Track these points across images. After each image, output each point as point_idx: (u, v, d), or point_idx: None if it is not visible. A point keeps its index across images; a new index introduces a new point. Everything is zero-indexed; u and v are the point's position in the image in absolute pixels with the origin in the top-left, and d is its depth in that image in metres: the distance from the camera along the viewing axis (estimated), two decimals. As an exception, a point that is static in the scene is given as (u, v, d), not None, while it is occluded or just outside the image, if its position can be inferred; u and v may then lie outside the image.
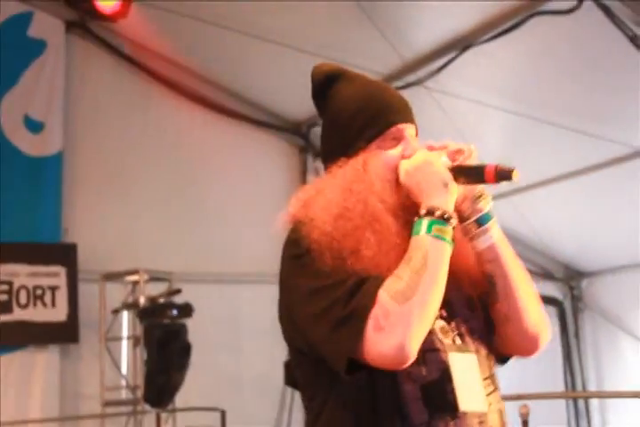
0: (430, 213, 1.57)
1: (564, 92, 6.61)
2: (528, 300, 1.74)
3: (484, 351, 1.72)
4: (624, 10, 5.46)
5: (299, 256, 1.63)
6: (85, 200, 7.18)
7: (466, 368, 1.64)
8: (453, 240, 1.60)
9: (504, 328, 1.74)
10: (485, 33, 6.07)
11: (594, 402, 9.43)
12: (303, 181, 8.22)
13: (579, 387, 9.47)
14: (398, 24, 6.41)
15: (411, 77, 6.71)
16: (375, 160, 1.70)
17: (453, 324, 1.68)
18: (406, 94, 7.03)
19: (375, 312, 1.49)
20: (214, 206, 7.59)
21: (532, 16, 5.72)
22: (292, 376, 6.21)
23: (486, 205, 1.73)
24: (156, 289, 6.83)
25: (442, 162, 1.64)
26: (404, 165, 1.67)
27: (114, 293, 6.99)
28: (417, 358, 1.56)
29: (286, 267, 1.68)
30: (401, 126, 1.74)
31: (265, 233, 8.46)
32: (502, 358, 1.84)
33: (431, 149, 1.72)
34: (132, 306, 6.79)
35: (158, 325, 6.05)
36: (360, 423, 1.59)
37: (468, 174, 1.63)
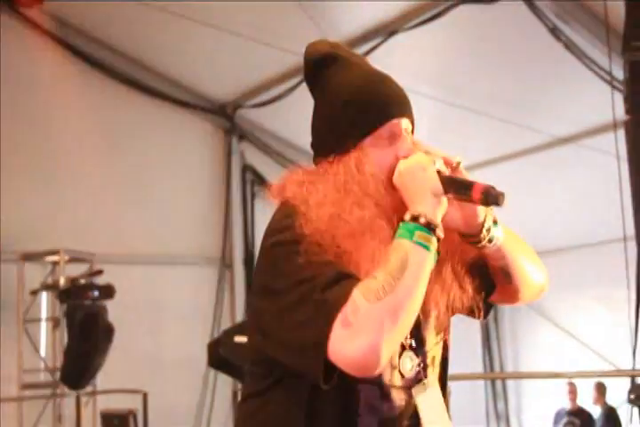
0: (415, 219, 1.48)
1: (487, 80, 6.74)
2: (537, 269, 1.73)
3: (438, 375, 1.67)
4: (544, 1, 5.58)
5: (287, 243, 1.52)
6: (5, 179, 7.02)
7: (431, 405, 1.60)
8: (438, 252, 1.50)
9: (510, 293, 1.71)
10: (411, 20, 6.15)
11: (510, 384, 9.70)
12: (228, 162, 8.20)
13: (497, 369, 9.72)
14: (325, 8, 6.43)
15: (337, 62, 6.74)
16: (369, 159, 1.57)
17: (421, 356, 1.61)
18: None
19: (345, 308, 1.40)
20: (138, 187, 7.51)
21: (456, 5, 5.80)
22: (216, 358, 6.22)
23: (496, 227, 1.63)
24: (77, 270, 6.73)
25: (435, 169, 1.54)
26: (399, 166, 1.56)
27: (33, 273, 6.86)
28: (382, 392, 1.53)
29: (271, 251, 1.55)
30: (396, 121, 1.59)
31: (188, 216, 8.48)
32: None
33: (427, 152, 1.62)
34: (51, 287, 6.67)
35: (80, 306, 5.98)
36: None
37: (457, 188, 1.52)
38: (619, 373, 6.08)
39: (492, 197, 1.48)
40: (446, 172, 1.56)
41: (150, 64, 7.64)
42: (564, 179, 7.61)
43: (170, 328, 7.59)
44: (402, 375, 1.57)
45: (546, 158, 7.44)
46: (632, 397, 3.92)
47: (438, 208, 1.51)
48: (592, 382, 7.79)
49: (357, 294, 1.40)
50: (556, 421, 8.02)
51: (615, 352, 7.87)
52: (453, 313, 1.66)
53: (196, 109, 7.97)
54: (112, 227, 7.26)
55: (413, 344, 1.59)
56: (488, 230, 1.60)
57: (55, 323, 6.74)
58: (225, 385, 7.58)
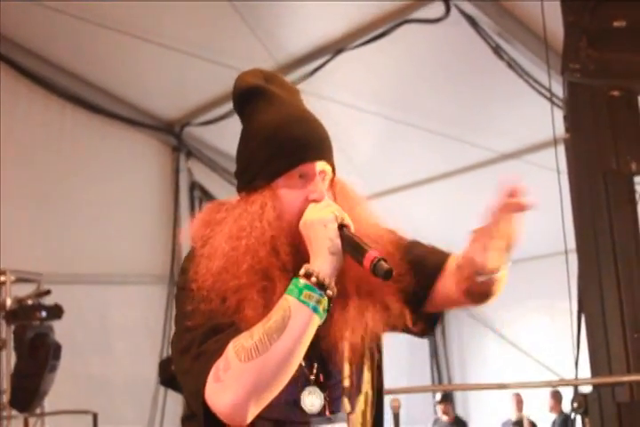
0: (307, 276, 1.47)
1: (433, 98, 6.87)
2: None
3: (361, 408, 1.66)
4: (487, 21, 5.72)
5: (180, 289, 1.59)
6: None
7: None
8: (327, 311, 1.48)
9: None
10: (357, 38, 6.25)
11: (458, 395, 9.81)
12: (175, 180, 8.19)
13: (444, 381, 9.83)
14: (271, 26, 6.50)
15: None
16: (276, 203, 1.57)
17: (328, 389, 1.60)
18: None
19: (218, 363, 1.43)
20: (84, 206, 7.45)
21: (401, 24, 5.91)
22: (168, 376, 6.20)
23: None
24: (24, 290, 6.64)
25: (335, 226, 1.51)
26: (305, 215, 1.55)
27: (-22, 295, 6.76)
28: None
29: (175, 290, 1.63)
30: (310, 164, 1.58)
31: (136, 234, 8.41)
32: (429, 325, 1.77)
33: (346, 198, 1.66)
34: (-3, 308, 6.58)
35: (29, 327, 5.90)
36: None
37: (352, 251, 1.51)
38: (563, 382, 6.22)
39: (378, 270, 1.46)
40: (351, 226, 1.55)
41: (96, 81, 7.60)
42: (508, 194, 7.76)
43: (118, 348, 7.52)
44: (303, 412, 1.57)
45: (489, 174, 7.59)
46: (575, 405, 4.03)
47: (334, 266, 1.49)
48: (537, 392, 7.94)
49: (231, 351, 1.42)
50: (502, 431, 8.20)
51: (559, 362, 8.03)
52: (378, 337, 1.67)
53: (143, 127, 7.95)
54: (58, 246, 7.19)
55: (321, 379, 1.60)
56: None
57: (2, 344, 6.63)
58: (175, 404, 7.53)
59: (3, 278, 6.56)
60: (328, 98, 6.95)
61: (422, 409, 9.07)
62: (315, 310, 1.45)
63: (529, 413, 8.03)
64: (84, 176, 7.51)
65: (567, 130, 4.35)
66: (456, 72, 6.55)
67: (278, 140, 1.58)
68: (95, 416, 6.03)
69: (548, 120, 4.89)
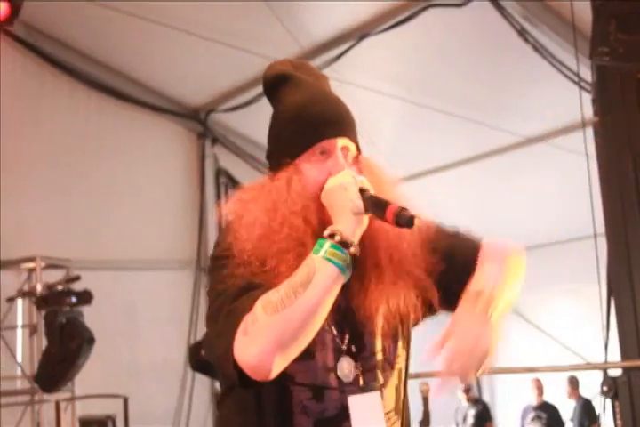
0: (331, 236, 1.53)
1: (457, 82, 6.84)
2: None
3: (394, 383, 1.72)
4: (513, 4, 5.68)
5: (216, 258, 1.66)
6: (-23, 187, 7.00)
7: (366, 409, 1.64)
8: (350, 267, 1.54)
9: None
10: (381, 23, 6.23)
11: (484, 379, 9.82)
12: (201, 166, 8.23)
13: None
14: (296, 12, 6.49)
15: (309, 65, 6.80)
16: (302, 176, 1.65)
17: (360, 360, 1.66)
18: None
19: (247, 318, 1.49)
20: (112, 193, 7.51)
21: (425, 8, 5.89)
22: (198, 360, 6.26)
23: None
24: (54, 277, 6.72)
25: (356, 189, 1.58)
26: (326, 186, 1.63)
27: (8, 281, 6.85)
28: (315, 394, 1.61)
29: (209, 264, 1.70)
30: (331, 140, 1.66)
31: (163, 220, 8.48)
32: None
33: (370, 171, 1.71)
34: (28, 294, 6.66)
35: (60, 312, 5.98)
36: None
37: (374, 208, 1.56)
38: (591, 366, 6.21)
39: (403, 219, 1.50)
40: (371, 190, 1.60)
41: (122, 69, 7.64)
42: (535, 177, 7.74)
43: (147, 332, 7.59)
44: (339, 379, 1.63)
45: (516, 158, 7.56)
46: (605, 389, 4.03)
47: (358, 226, 1.56)
48: (564, 376, 7.94)
49: (259, 306, 1.48)
50: (523, 416, 8.21)
51: (585, 347, 8.03)
52: (408, 321, 1.73)
53: (169, 114, 7.99)
54: (87, 233, 7.26)
55: (353, 349, 1.66)
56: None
57: (32, 330, 6.73)
58: (203, 388, 7.61)
59: (33, 265, 6.65)
60: (353, 83, 6.95)
61: (445, 396, 9.08)
62: (338, 266, 1.51)
63: (549, 398, 8.04)
64: (111, 163, 7.57)
65: (596, 113, 4.33)
66: (480, 56, 6.52)
67: (300, 118, 1.67)
68: (126, 400, 6.11)
69: (573, 103, 4.86)
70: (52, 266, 6.80)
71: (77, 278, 6.33)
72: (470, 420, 8.64)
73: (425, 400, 3.82)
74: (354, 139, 1.71)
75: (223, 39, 6.55)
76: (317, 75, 1.80)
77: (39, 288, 6.47)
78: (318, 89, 1.74)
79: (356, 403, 1.62)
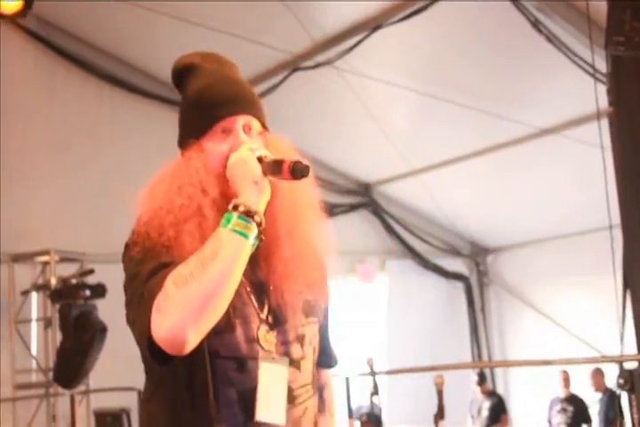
0: (235, 207, 1.59)
1: (470, 73, 6.80)
2: None
3: (311, 357, 1.78)
4: (526, -7, 5.64)
5: (126, 246, 1.72)
6: (-9, 181, 7.02)
7: (274, 380, 1.68)
8: (260, 239, 1.61)
9: None
10: (393, 15, 6.18)
11: (499, 372, 9.80)
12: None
13: (484, 358, 9.82)
14: (309, 5, 6.46)
15: (321, 58, 6.78)
16: (201, 154, 1.73)
17: (276, 331, 1.72)
18: (316, 74, 7.09)
19: (159, 295, 1.52)
20: (125, 186, 7.47)
21: (438, -1, 5.85)
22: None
23: None
24: (68, 270, 6.74)
25: (255, 159, 1.65)
26: (228, 162, 1.70)
27: (22, 274, 6.87)
28: (239, 366, 1.66)
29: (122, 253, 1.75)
30: (231, 119, 1.74)
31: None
32: None
33: (273, 145, 1.78)
34: (42, 287, 6.69)
35: (74, 305, 6.00)
36: (176, 421, 1.67)
37: (272, 170, 1.63)
38: (607, 359, 6.18)
39: (298, 171, 1.59)
40: (269, 155, 1.67)
41: (133, 61, 7.65)
42: (549, 169, 7.69)
43: (160, 325, 7.60)
44: (261, 350, 1.69)
45: (530, 150, 7.52)
46: (621, 382, 4.01)
47: (260, 195, 1.62)
48: (579, 369, 7.89)
49: (169, 281, 1.52)
50: (550, 407, 8.15)
51: (600, 338, 7.99)
52: (320, 305, 1.83)
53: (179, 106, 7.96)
54: (101, 226, 7.26)
55: (271, 321, 1.72)
56: None
57: (47, 323, 6.76)
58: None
59: (47, 258, 6.68)
60: (365, 75, 6.93)
61: (459, 389, 9.07)
62: (244, 235, 1.57)
63: (575, 390, 7.98)
64: (123, 155, 7.56)
65: (611, 104, 4.29)
66: (494, 47, 6.48)
67: (200, 101, 1.76)
68: (140, 393, 6.11)
69: (587, 94, 4.82)
70: (65, 259, 6.83)
71: (91, 272, 6.35)
72: (485, 412, 8.61)
73: (439, 393, 3.81)
74: (258, 116, 1.78)
75: (235, 31, 6.53)
76: (224, 63, 1.89)
77: (53, 282, 6.49)
78: (221, 75, 1.82)
79: (266, 373, 1.67)
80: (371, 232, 9.25)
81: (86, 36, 7.42)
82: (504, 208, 8.60)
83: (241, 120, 1.74)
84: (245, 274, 1.61)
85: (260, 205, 1.61)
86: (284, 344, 1.72)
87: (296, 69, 6.89)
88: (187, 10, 6.46)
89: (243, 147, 1.69)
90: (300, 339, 1.75)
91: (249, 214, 1.58)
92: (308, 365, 1.76)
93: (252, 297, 1.71)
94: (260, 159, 1.65)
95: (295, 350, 1.74)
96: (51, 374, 6.55)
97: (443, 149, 8.07)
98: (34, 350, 6.95)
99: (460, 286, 9.83)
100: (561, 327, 9.02)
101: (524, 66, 6.52)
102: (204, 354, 1.61)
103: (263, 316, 1.71)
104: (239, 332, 1.66)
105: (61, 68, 7.38)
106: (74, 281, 6.32)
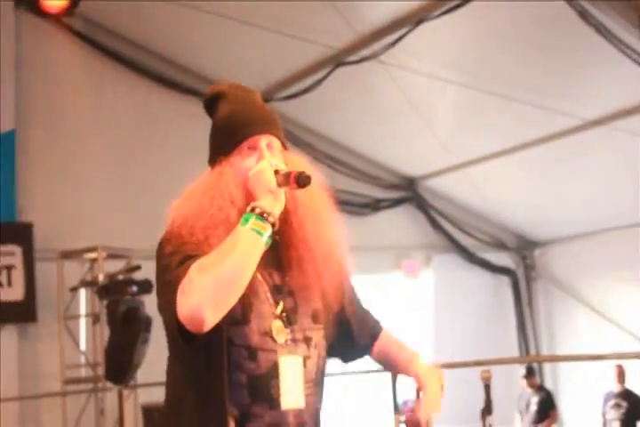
0: (252, 210, 1.82)
1: (514, 65, 6.72)
2: None
3: (314, 359, 1.98)
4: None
5: (159, 244, 1.92)
6: (40, 179, 7.11)
7: (292, 369, 1.91)
8: (273, 238, 1.84)
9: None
10: (437, 8, 6.12)
11: (547, 367, 9.69)
12: (259, 155, 8.23)
13: (532, 353, 9.71)
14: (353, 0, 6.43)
15: (365, 52, 6.75)
16: (233, 168, 1.97)
17: (290, 328, 1.93)
18: (360, 69, 7.02)
19: (184, 280, 1.74)
20: (171, 183, 7.52)
21: (483, -9, 5.78)
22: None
23: None
24: (115, 266, 6.82)
25: (271, 171, 1.88)
26: (250, 173, 1.93)
27: (71, 271, 6.96)
28: (250, 354, 1.87)
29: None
30: (255, 138, 1.98)
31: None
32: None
33: (290, 161, 2.01)
34: (90, 283, 6.77)
35: (121, 301, 6.06)
36: (195, 395, 1.88)
37: (283, 181, 1.86)
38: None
39: (302, 181, 1.84)
40: (284, 169, 1.91)
41: (179, 60, 7.69)
42: (596, 162, 7.57)
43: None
44: (274, 340, 1.90)
45: (578, 141, 7.40)
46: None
47: (275, 201, 1.86)
48: (631, 364, 7.76)
49: (192, 269, 1.75)
50: (605, 402, 8.03)
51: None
52: (332, 315, 2.03)
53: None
54: (148, 222, 7.25)
55: (285, 318, 1.93)
56: None
57: (95, 318, 6.85)
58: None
59: (95, 255, 6.77)
60: (409, 68, 6.88)
61: (506, 385, 8.98)
62: (260, 233, 1.81)
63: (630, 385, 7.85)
64: (170, 153, 7.62)
65: (660, 95, 4.19)
66: (537, 39, 6.39)
67: (229, 123, 2.01)
68: (187, 388, 6.15)
69: (635, 85, 4.74)
70: (113, 256, 6.90)
71: (138, 268, 6.41)
72: (533, 407, 8.51)
73: (486, 388, 3.76)
74: (278, 136, 2.02)
75: (278, 27, 6.54)
76: (248, 90, 2.12)
77: (101, 278, 6.57)
78: (246, 100, 2.07)
79: (285, 362, 1.89)
80: (415, 227, 9.20)
81: (132, 35, 7.50)
82: (552, 201, 8.48)
83: (264, 139, 1.98)
84: (265, 277, 1.91)
85: (275, 210, 1.85)
86: (293, 341, 1.93)
87: (340, 64, 6.87)
88: (231, 8, 6.47)
89: (263, 161, 1.93)
90: (307, 340, 1.96)
91: (264, 216, 1.82)
92: (312, 364, 1.96)
93: (269, 296, 1.92)
94: (276, 172, 1.88)
95: (302, 349, 1.94)
96: (99, 369, 6.63)
97: (487, 143, 7.99)
98: (82, 346, 7.05)
99: (506, 280, 9.74)
100: (612, 323, 8.88)
101: (570, 57, 6.42)
102: (222, 340, 1.82)
103: (277, 312, 1.92)
104: (253, 325, 1.87)
105: (109, 68, 7.47)
106: (121, 277, 6.39)
